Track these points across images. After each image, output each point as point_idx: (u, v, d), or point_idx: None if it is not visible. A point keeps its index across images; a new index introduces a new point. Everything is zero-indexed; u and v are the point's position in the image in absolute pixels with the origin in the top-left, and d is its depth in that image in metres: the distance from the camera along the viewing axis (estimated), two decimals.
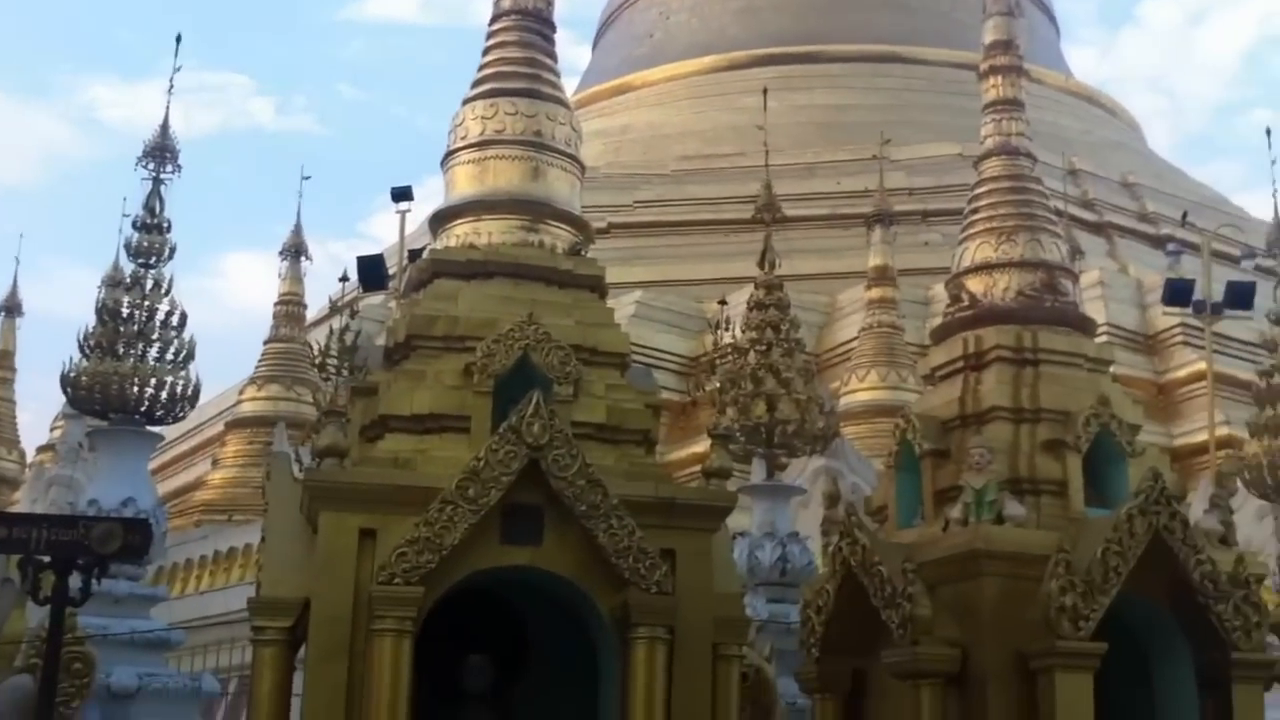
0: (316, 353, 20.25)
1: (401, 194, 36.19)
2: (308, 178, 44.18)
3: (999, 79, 16.51)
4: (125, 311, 22.70)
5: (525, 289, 13.59)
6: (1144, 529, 12.87)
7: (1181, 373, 42.01)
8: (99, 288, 23.01)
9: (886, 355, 39.01)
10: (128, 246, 23.26)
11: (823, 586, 14.47)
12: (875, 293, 40.29)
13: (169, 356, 22.72)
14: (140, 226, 23.32)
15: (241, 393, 42.09)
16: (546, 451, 11.85)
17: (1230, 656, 13.03)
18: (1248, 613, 13.13)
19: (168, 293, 23.10)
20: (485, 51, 15.00)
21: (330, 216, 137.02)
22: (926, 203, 49.92)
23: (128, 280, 23.02)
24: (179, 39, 25.29)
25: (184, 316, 23.08)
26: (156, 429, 23.14)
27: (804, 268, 41.74)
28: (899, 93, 58.65)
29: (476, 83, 14.77)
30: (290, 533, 12.68)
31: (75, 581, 14.39)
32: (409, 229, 38.51)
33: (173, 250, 23.44)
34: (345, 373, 13.61)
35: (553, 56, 15.03)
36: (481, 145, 14.34)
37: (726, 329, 23.72)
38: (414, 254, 26.44)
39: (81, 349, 22.51)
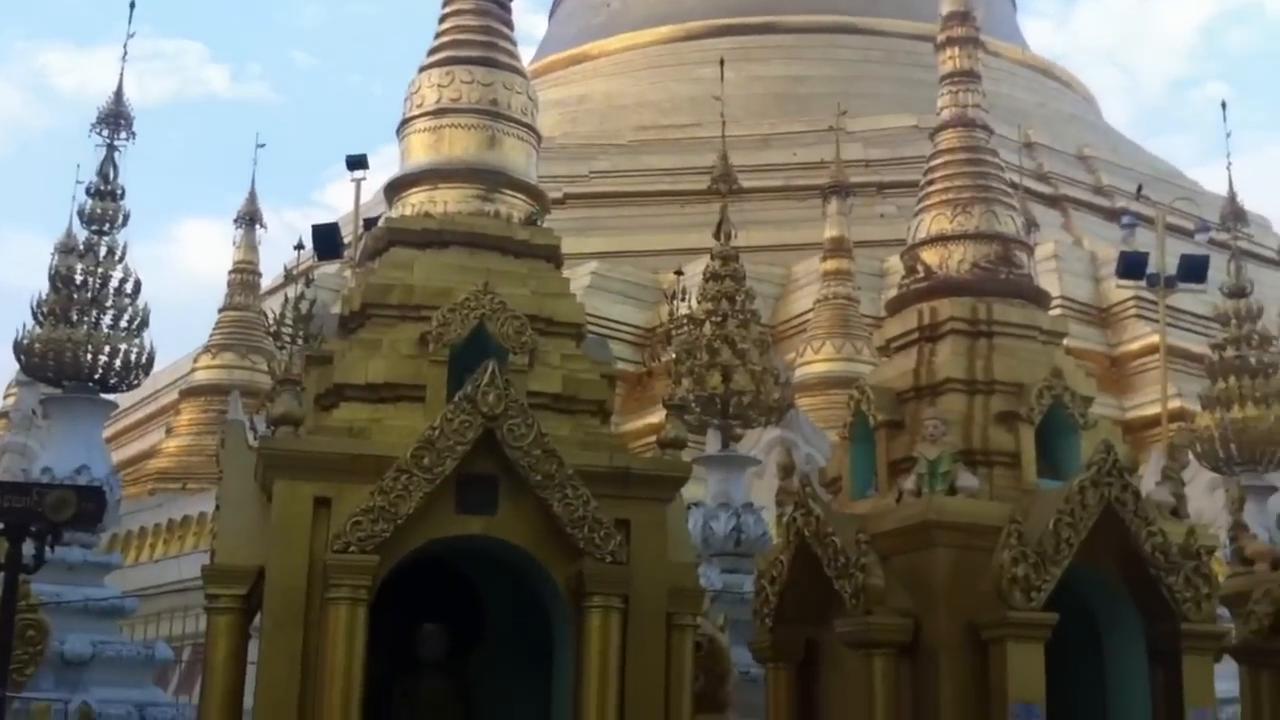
0: (271, 321, 20.23)
1: (357, 162, 36.19)
2: (262, 145, 43.81)
3: (955, 50, 16.55)
4: (79, 278, 22.61)
5: (481, 258, 13.56)
6: (1096, 500, 12.95)
7: (1135, 346, 42.22)
8: (52, 255, 22.87)
9: (841, 327, 39.06)
10: (81, 213, 23.16)
11: (777, 557, 14.52)
12: (831, 264, 40.30)
13: (123, 324, 22.64)
14: (94, 193, 23.21)
15: (196, 361, 41.92)
16: (502, 421, 11.85)
17: (1180, 627, 13.13)
18: (1198, 584, 13.23)
19: (121, 260, 23.01)
20: (442, 19, 14.95)
21: (285, 185, 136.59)
22: (882, 174, 49.98)
23: (81, 247, 22.91)
24: (133, 5, 25.17)
25: (138, 284, 23.00)
26: (110, 396, 23.08)
27: (760, 239, 41.70)
28: (856, 64, 58.68)
29: (433, 50, 14.72)
30: (245, 501, 12.65)
31: (29, 549, 14.37)
32: (364, 197, 38.53)
33: (126, 217, 23.35)
34: (300, 341, 13.59)
35: (509, 25, 15.00)
36: (437, 113, 14.30)
37: (682, 300, 23.73)
38: (369, 222, 26.45)
39: (35, 316, 22.40)
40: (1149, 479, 15.50)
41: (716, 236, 23.59)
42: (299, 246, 28.13)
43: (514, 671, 12.90)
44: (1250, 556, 16.60)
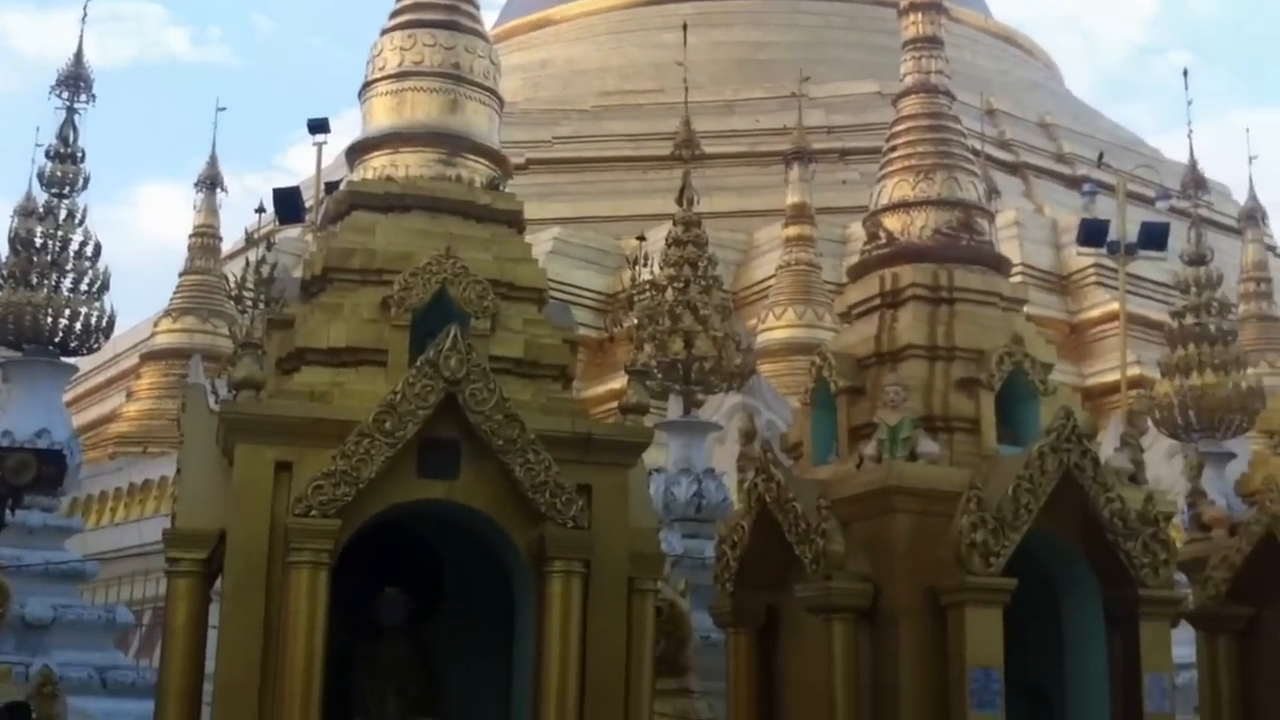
0: (232, 285, 20.19)
1: (318, 126, 35.96)
2: (223, 109, 43.74)
3: (919, 16, 16.56)
4: (39, 241, 22.51)
5: (443, 223, 13.55)
6: (1055, 467, 13.03)
7: (1094, 313, 42.39)
8: (12, 217, 22.76)
9: (803, 293, 39.08)
10: (41, 176, 23.05)
11: (738, 522, 14.58)
12: (793, 231, 40.27)
13: (83, 287, 22.55)
14: (53, 156, 23.11)
15: (156, 325, 41.70)
16: (464, 386, 11.85)
17: (1138, 593, 13.22)
18: (1156, 550, 13.32)
19: (81, 223, 22.91)
20: None
21: (246, 149, 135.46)
22: (845, 141, 49.93)
23: (41, 210, 22.81)
24: None
25: (98, 247, 22.91)
26: (71, 360, 23.00)
27: (722, 205, 41.71)
28: (819, 30, 58.54)
29: (395, 13, 14.67)
30: (206, 465, 12.63)
31: None
32: (326, 162, 38.31)
33: (86, 180, 23.25)
34: (261, 305, 13.59)
35: None
36: (399, 77, 14.26)
37: (644, 265, 23.74)
38: (331, 186, 26.32)
39: None
40: (1108, 445, 15.59)
41: (679, 202, 23.61)
42: (260, 210, 27.96)
43: (476, 636, 12.92)
44: (1208, 523, 16.71)
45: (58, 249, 22.54)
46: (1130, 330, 35.66)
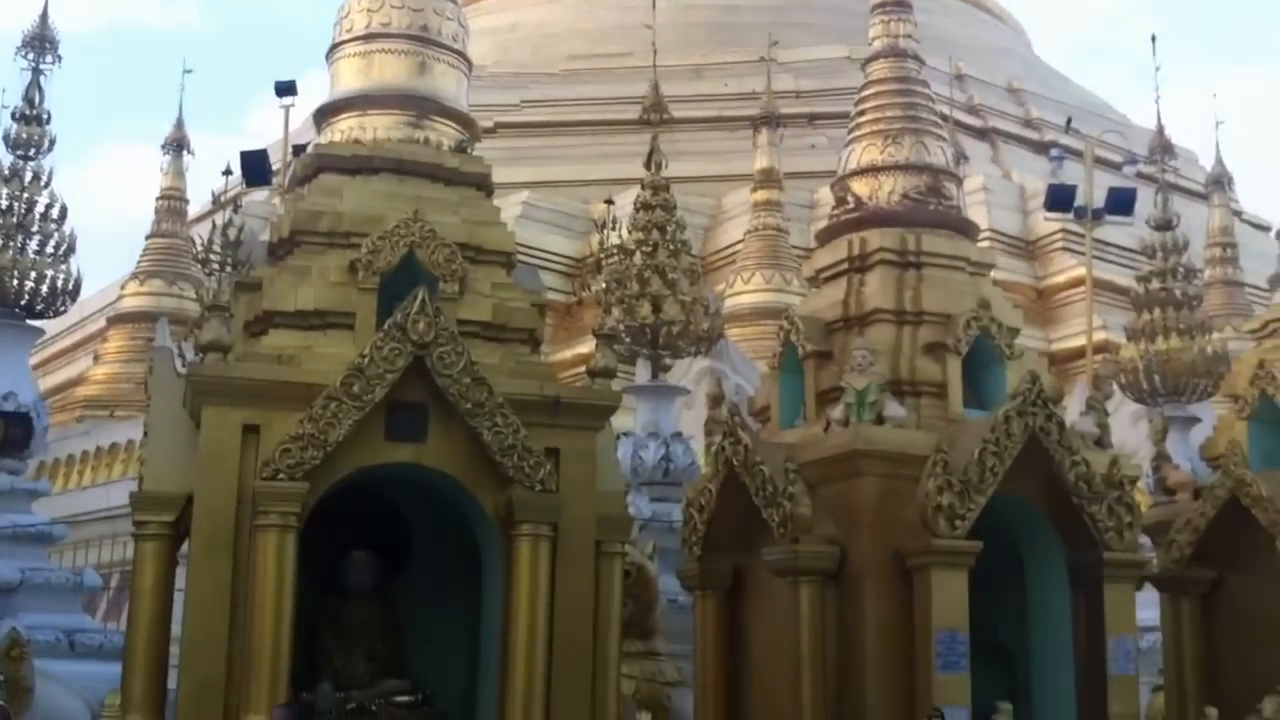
0: (200, 248, 20.10)
1: (286, 89, 35.74)
2: (189, 71, 43.32)
3: None
4: (4, 204, 22.36)
5: (411, 185, 13.54)
6: (1021, 430, 13.09)
7: (1061, 278, 42.41)
8: None
9: (771, 258, 39.07)
10: (6, 138, 22.90)
11: (705, 486, 14.61)
12: (761, 195, 40.26)
13: (49, 250, 22.41)
14: (19, 118, 22.95)
15: (123, 288, 41.52)
16: (432, 349, 11.86)
17: (1102, 556, 13.31)
18: (1121, 513, 13.40)
19: (47, 185, 22.77)
20: None
21: (214, 111, 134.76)
22: (813, 105, 49.82)
23: (6, 172, 22.67)
24: None
25: (64, 209, 22.77)
26: (37, 323, 22.88)
27: (691, 170, 41.60)
28: None
29: None
30: (173, 428, 12.63)
31: None
32: (294, 125, 38.11)
33: (53, 142, 23.10)
34: (229, 268, 13.56)
35: None
36: (367, 38, 14.23)
37: (613, 229, 23.71)
38: (298, 149, 26.20)
39: None
40: (1073, 409, 15.65)
41: (647, 166, 23.56)
42: (227, 173, 27.80)
43: (444, 598, 12.97)
44: (1172, 486, 16.81)
45: (24, 211, 22.38)
46: (1096, 295, 35.69)
